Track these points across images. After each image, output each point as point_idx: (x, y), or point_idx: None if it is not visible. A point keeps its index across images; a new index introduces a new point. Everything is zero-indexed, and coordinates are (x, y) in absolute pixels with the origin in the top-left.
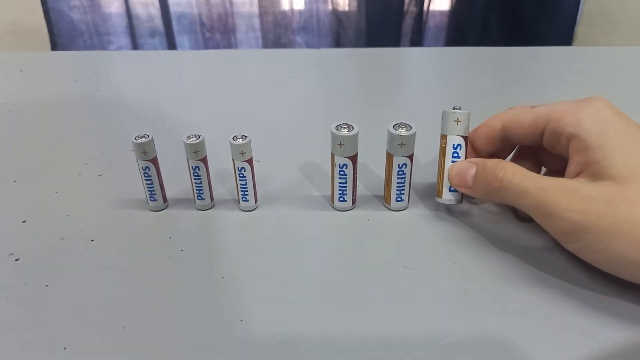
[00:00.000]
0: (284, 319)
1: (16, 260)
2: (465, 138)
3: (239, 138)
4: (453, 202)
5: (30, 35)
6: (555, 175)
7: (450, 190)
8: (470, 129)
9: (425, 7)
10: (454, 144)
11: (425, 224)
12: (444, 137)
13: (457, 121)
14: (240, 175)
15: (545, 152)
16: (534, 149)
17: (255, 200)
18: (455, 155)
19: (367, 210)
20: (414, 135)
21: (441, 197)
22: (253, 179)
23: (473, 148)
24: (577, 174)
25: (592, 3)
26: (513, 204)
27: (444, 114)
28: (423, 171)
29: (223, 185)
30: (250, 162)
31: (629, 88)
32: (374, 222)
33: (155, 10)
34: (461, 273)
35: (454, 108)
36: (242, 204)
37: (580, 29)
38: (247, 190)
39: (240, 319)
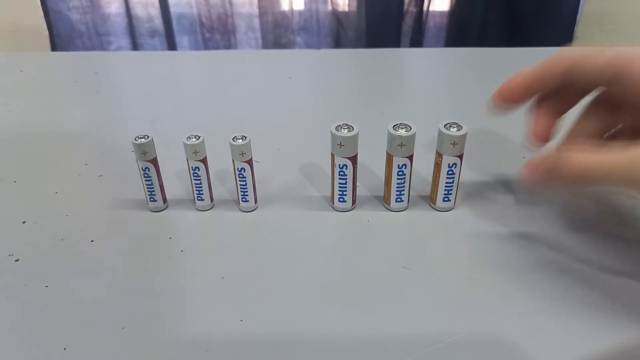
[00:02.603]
0: (284, 319)
1: (16, 260)
2: (460, 157)
3: (239, 139)
4: (445, 210)
5: (30, 35)
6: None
7: (443, 201)
8: (466, 146)
9: (425, 8)
10: (449, 163)
11: (425, 224)
12: (439, 155)
13: (454, 144)
14: (240, 175)
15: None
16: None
17: (255, 201)
18: (450, 173)
19: (367, 210)
20: (413, 135)
21: (435, 204)
22: (253, 179)
23: (509, 94)
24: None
25: (592, 3)
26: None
27: (440, 134)
28: (424, 172)
29: (223, 186)
30: (250, 162)
31: None
32: (374, 223)
33: (155, 11)
34: (461, 273)
35: (451, 126)
36: (242, 204)
37: (580, 29)
38: (247, 191)
39: (240, 319)
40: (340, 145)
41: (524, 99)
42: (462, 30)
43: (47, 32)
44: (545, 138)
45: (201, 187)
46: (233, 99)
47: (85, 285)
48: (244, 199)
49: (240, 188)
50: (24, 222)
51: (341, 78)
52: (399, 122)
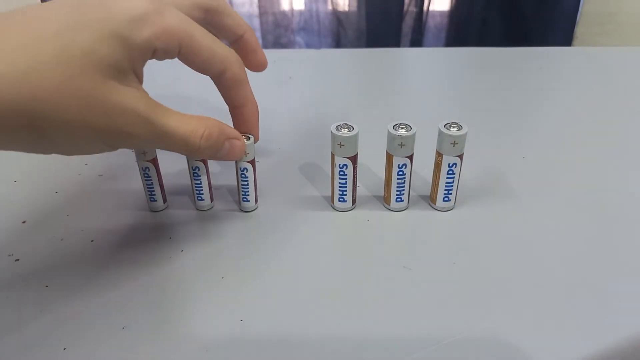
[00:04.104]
0: (284, 319)
1: (16, 260)
2: (460, 156)
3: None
4: (445, 209)
5: None
6: None
7: (443, 200)
8: (466, 146)
9: (425, 7)
10: (449, 163)
11: (425, 224)
12: (439, 154)
13: (454, 144)
14: (243, 176)
15: None
16: None
17: (256, 201)
18: (450, 172)
19: (367, 210)
20: (413, 135)
21: (435, 204)
22: (255, 179)
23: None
24: None
25: (592, 3)
26: None
27: (440, 134)
28: (423, 171)
29: (223, 186)
30: (252, 163)
31: (628, 88)
32: (374, 223)
33: None
34: (461, 273)
35: (451, 125)
36: (243, 204)
37: (580, 29)
38: (248, 191)
39: (240, 319)
40: (340, 145)
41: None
42: (462, 30)
43: None
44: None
45: (201, 187)
46: None
47: (85, 285)
48: (244, 199)
49: (242, 188)
50: (24, 222)
51: (341, 78)
52: (399, 122)
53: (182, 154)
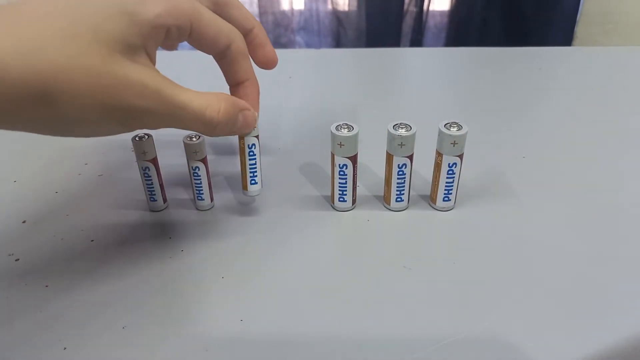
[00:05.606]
0: (284, 319)
1: (16, 260)
2: (460, 156)
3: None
4: (445, 209)
5: None
6: None
7: (443, 200)
8: (467, 146)
9: (425, 7)
10: (449, 163)
11: (425, 224)
12: (439, 154)
13: (454, 144)
14: (251, 153)
15: None
16: None
17: (262, 184)
18: (450, 172)
19: (367, 210)
20: (413, 135)
21: (435, 204)
22: (260, 159)
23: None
24: None
25: (592, 3)
26: None
27: (440, 134)
28: (423, 171)
29: (223, 185)
30: (258, 139)
31: (628, 88)
32: (374, 222)
33: None
34: (461, 273)
35: (451, 125)
36: (251, 187)
37: (580, 29)
38: (256, 171)
39: (240, 319)
40: (340, 145)
41: None
42: (462, 30)
43: None
44: None
45: (201, 187)
46: None
47: (85, 285)
48: (252, 182)
49: (250, 168)
50: (24, 222)
51: (341, 78)
52: (399, 122)
53: (199, 131)
